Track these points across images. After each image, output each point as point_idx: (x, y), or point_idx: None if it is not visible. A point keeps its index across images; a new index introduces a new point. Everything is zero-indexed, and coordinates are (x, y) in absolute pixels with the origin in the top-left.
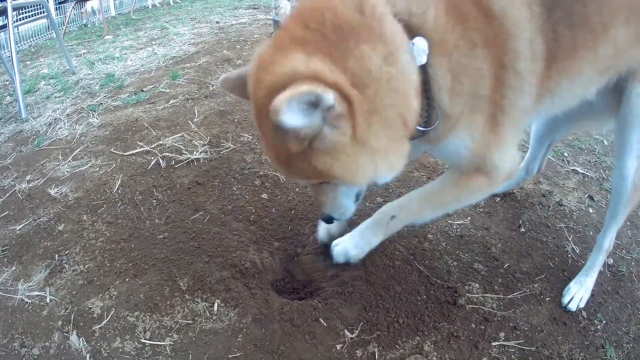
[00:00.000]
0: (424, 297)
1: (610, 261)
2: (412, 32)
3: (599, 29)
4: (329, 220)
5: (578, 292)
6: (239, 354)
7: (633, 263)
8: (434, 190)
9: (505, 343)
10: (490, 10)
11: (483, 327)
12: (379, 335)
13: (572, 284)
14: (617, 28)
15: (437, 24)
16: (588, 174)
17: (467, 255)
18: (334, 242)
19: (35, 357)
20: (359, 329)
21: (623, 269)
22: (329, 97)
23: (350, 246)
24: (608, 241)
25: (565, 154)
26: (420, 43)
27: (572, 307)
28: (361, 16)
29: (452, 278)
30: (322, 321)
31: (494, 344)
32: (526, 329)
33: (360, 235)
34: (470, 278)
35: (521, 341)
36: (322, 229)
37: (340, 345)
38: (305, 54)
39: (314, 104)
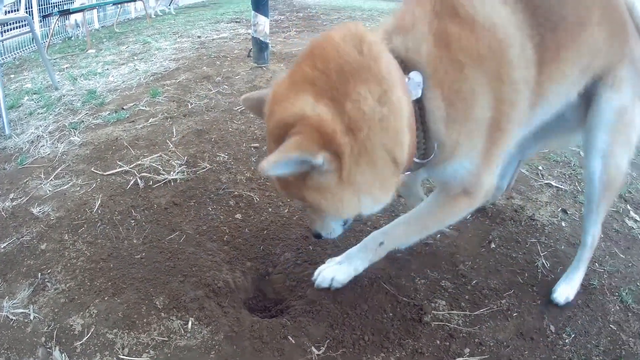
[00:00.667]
0: (390, 314)
1: None
2: (408, 67)
3: (577, 28)
4: (317, 236)
5: (565, 289)
6: None
7: (605, 276)
8: (420, 214)
9: (470, 359)
10: (475, 23)
11: (448, 343)
12: (344, 352)
13: (561, 281)
14: (592, 26)
15: (429, 55)
16: (562, 187)
17: (434, 273)
18: (320, 268)
19: None
20: (325, 346)
21: (595, 282)
22: (318, 160)
23: (337, 272)
24: (590, 237)
25: (540, 168)
26: (416, 77)
27: (561, 300)
28: (359, 55)
29: (419, 296)
30: (291, 338)
31: (458, 359)
32: (492, 344)
33: (349, 261)
34: (437, 295)
35: (486, 357)
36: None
37: None
38: (313, 96)
39: (303, 161)
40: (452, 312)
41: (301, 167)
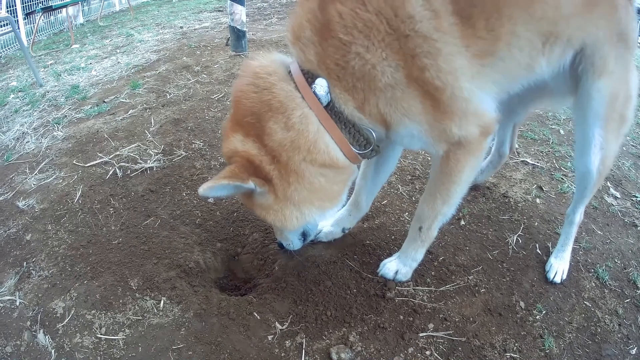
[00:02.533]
0: (354, 291)
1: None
2: (312, 75)
3: None
4: (280, 246)
5: (560, 265)
6: (181, 345)
7: (581, 252)
8: (431, 187)
9: (434, 334)
10: None
11: (411, 318)
12: (306, 326)
13: (552, 260)
14: None
15: (318, 56)
16: (539, 164)
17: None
18: (385, 261)
19: (8, 354)
20: (288, 321)
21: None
22: (250, 185)
23: (399, 265)
24: (578, 215)
25: (517, 146)
26: (321, 83)
27: (557, 279)
28: (258, 94)
29: None
30: (256, 314)
31: (421, 334)
32: (457, 320)
33: (404, 254)
34: None
35: (450, 332)
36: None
37: (271, 336)
38: (243, 135)
39: (237, 186)
40: (417, 288)
41: (238, 190)
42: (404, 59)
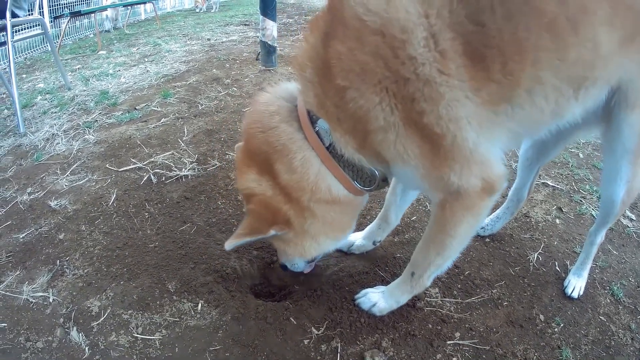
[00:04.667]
0: None
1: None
2: (315, 116)
3: (562, 27)
4: (283, 267)
5: (578, 282)
6: (218, 347)
7: (597, 270)
8: (427, 234)
9: (460, 342)
10: (362, 28)
11: (439, 327)
12: (341, 332)
13: (571, 276)
14: (594, 27)
15: (317, 98)
16: (559, 186)
17: None
18: (368, 290)
19: (39, 350)
20: (324, 326)
21: None
22: (270, 234)
23: (380, 299)
24: (600, 237)
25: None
26: (323, 125)
27: (575, 295)
28: (264, 134)
29: None
30: (292, 320)
31: (448, 342)
32: (482, 330)
33: (390, 293)
34: (430, 284)
35: (475, 340)
36: (345, 243)
37: (308, 340)
38: (257, 171)
39: (260, 239)
40: (445, 299)
41: (262, 239)
42: (402, 102)
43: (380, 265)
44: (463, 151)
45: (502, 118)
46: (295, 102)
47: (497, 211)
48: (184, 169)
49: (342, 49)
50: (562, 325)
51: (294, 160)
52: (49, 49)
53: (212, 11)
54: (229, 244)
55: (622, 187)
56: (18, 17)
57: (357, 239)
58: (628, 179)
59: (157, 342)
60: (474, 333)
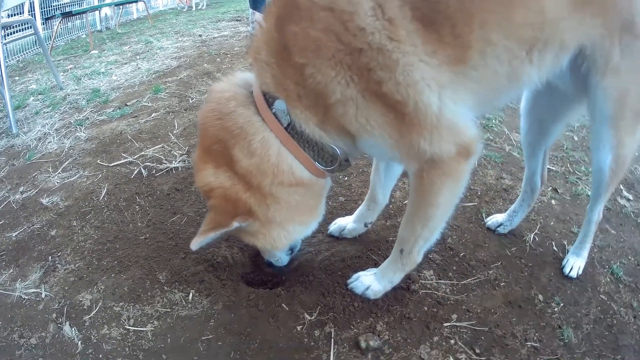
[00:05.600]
0: None
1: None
2: (271, 97)
3: None
4: (269, 265)
5: (577, 262)
6: (211, 336)
7: (595, 250)
8: (409, 208)
9: (457, 324)
10: (313, 7)
11: (435, 309)
12: (334, 316)
13: (569, 256)
14: None
15: (274, 78)
16: (554, 168)
17: None
18: (359, 273)
19: (33, 346)
20: (317, 312)
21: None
22: (233, 227)
23: (374, 282)
24: (596, 214)
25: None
26: (280, 105)
27: (573, 274)
28: (221, 120)
29: None
30: (285, 306)
31: (445, 324)
32: (479, 311)
33: (382, 273)
34: (424, 267)
35: (473, 322)
36: (336, 227)
37: (300, 326)
38: (213, 165)
39: (224, 232)
40: (440, 281)
41: (227, 233)
42: (359, 73)
43: (373, 249)
44: (428, 116)
45: (461, 78)
46: (251, 89)
47: (513, 205)
48: (174, 162)
49: (296, 29)
50: (561, 305)
51: (252, 142)
52: (41, 50)
53: (193, 10)
54: (194, 244)
55: (608, 154)
56: None
57: (348, 222)
58: (612, 145)
59: (149, 333)
60: (471, 315)
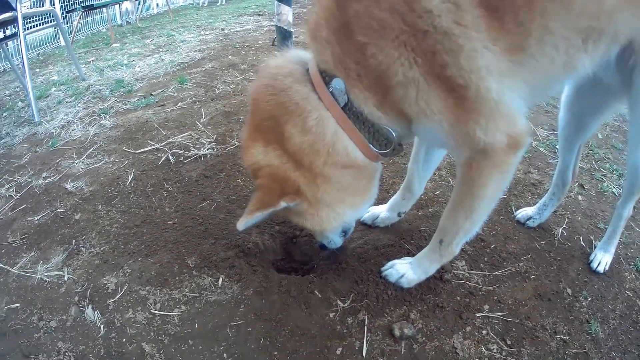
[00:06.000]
0: None
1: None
2: (329, 76)
3: None
4: (322, 247)
5: (604, 257)
6: (240, 322)
7: (621, 246)
8: (454, 198)
9: (489, 314)
10: None
11: (468, 299)
12: (368, 304)
13: (597, 251)
14: None
15: (334, 56)
16: (580, 165)
17: None
18: (394, 261)
19: (52, 329)
20: (350, 299)
21: None
22: (281, 206)
23: (408, 270)
24: (627, 210)
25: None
26: (337, 84)
27: (600, 269)
28: (275, 96)
29: None
30: (317, 293)
31: (477, 315)
32: (510, 302)
33: (418, 263)
34: (457, 257)
35: (505, 313)
36: (369, 215)
37: (333, 313)
38: (263, 143)
39: (272, 212)
40: (472, 272)
41: (275, 213)
42: (423, 55)
43: (406, 238)
44: (488, 102)
45: (518, 67)
46: (306, 66)
47: (543, 199)
48: (202, 149)
49: (359, 7)
50: (589, 299)
51: (308, 120)
52: (61, 43)
53: (204, 5)
54: (240, 223)
55: None
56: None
57: (382, 211)
58: None
59: (175, 318)
60: (502, 306)
